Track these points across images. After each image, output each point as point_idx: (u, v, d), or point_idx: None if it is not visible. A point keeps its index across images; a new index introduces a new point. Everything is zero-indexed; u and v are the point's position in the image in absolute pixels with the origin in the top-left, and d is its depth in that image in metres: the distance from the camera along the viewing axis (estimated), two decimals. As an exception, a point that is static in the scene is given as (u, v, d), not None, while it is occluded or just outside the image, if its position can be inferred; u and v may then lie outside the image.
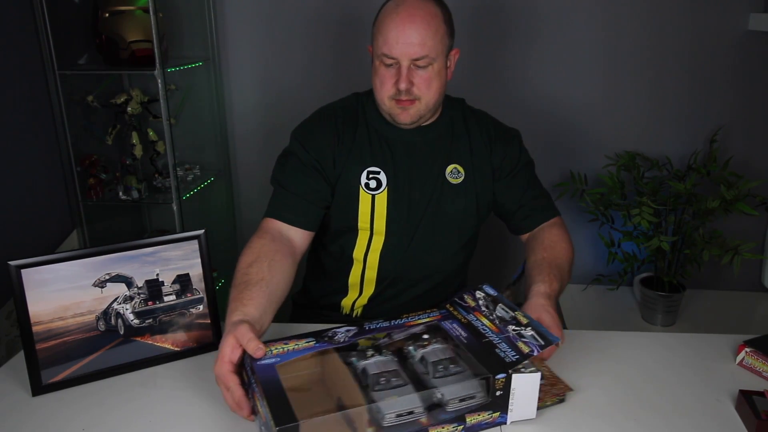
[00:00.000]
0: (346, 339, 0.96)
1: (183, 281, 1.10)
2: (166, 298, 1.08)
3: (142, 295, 1.06)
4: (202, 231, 1.11)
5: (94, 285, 1.03)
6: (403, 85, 1.17)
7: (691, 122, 2.02)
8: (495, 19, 1.98)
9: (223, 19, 2.03)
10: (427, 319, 1.02)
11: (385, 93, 1.20)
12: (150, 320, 1.07)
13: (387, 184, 1.26)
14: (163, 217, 2.18)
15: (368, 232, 1.28)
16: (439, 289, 1.36)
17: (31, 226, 1.67)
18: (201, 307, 1.11)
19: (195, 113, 2.10)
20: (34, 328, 0.99)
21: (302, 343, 0.95)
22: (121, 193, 1.89)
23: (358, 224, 1.27)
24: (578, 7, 1.94)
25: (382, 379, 0.91)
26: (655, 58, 1.97)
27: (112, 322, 1.05)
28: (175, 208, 1.85)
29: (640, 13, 1.93)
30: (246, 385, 0.91)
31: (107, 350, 1.05)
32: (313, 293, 1.42)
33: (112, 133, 1.90)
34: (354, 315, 1.34)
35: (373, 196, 1.26)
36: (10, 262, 0.97)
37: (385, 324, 1.00)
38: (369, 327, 0.99)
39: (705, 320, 1.99)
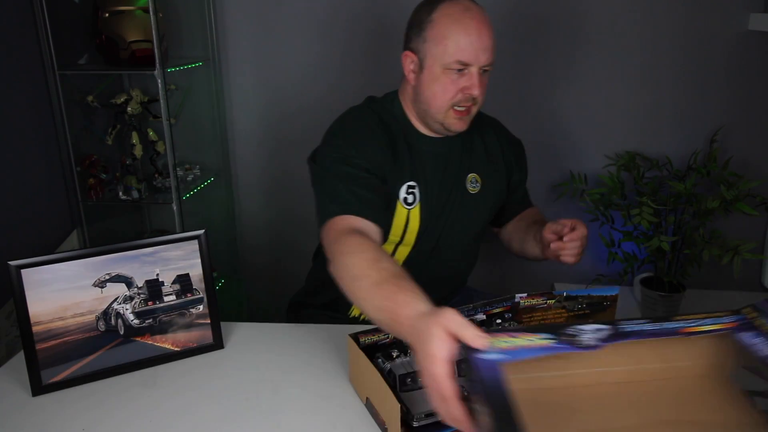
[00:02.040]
0: (596, 343, 0.70)
1: (183, 281, 1.10)
2: (166, 298, 1.08)
3: (142, 295, 1.06)
4: (202, 231, 1.11)
5: (94, 285, 1.03)
6: (477, 92, 1.13)
7: (691, 122, 2.02)
8: (495, 20, 1.97)
9: (223, 19, 2.03)
10: (716, 326, 0.71)
11: (447, 100, 1.16)
12: (150, 320, 1.07)
13: (420, 198, 1.23)
14: (163, 217, 2.18)
15: (395, 245, 1.26)
16: (452, 291, 1.36)
17: (31, 226, 1.67)
18: (201, 307, 1.11)
19: (195, 113, 2.10)
20: (34, 328, 0.99)
21: (536, 339, 0.70)
22: (121, 193, 1.89)
23: (389, 237, 1.24)
24: (578, 8, 1.94)
25: (409, 379, 0.92)
26: (654, 58, 1.97)
27: (112, 322, 1.05)
28: (175, 208, 1.85)
29: (640, 13, 1.93)
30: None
31: (107, 350, 1.05)
32: (317, 292, 1.39)
33: (112, 133, 1.90)
34: (362, 318, 1.32)
35: (409, 211, 1.23)
36: (10, 262, 0.97)
37: (651, 327, 0.70)
38: (625, 330, 0.70)
39: (705, 320, 1.99)
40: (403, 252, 1.26)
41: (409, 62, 1.19)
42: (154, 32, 1.69)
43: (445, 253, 1.29)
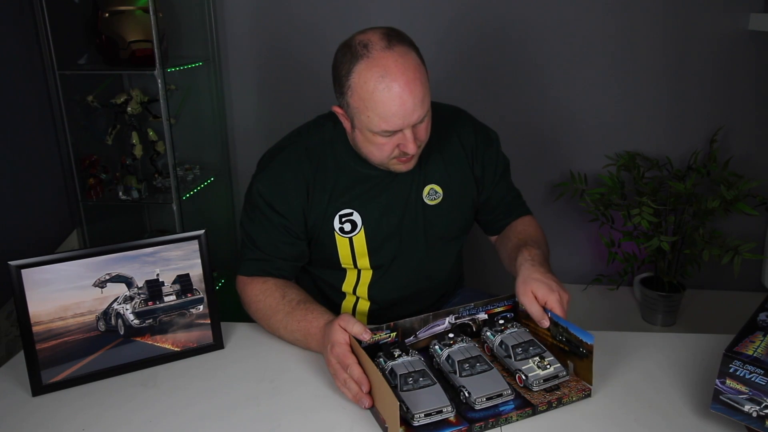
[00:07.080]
0: None
1: (183, 281, 1.10)
2: (166, 298, 1.08)
3: (142, 295, 1.06)
4: (202, 231, 1.11)
5: (94, 285, 1.03)
6: (412, 149, 1.07)
7: (691, 122, 2.02)
8: (495, 19, 1.98)
9: (223, 19, 2.03)
10: None
11: (385, 157, 1.11)
12: (150, 320, 1.07)
13: (362, 224, 1.19)
14: (163, 217, 2.18)
15: (355, 271, 1.24)
16: (440, 295, 1.35)
17: (31, 226, 1.67)
18: (201, 307, 1.11)
19: (195, 113, 2.10)
20: (34, 328, 0.99)
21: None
22: (121, 193, 1.89)
23: (341, 265, 1.23)
24: (579, 8, 1.94)
25: (410, 378, 0.92)
26: (655, 58, 1.97)
27: (112, 322, 1.05)
28: (175, 208, 1.85)
29: (640, 14, 1.93)
30: None
31: (107, 350, 1.05)
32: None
33: (112, 133, 1.90)
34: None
35: (351, 239, 1.20)
36: (10, 262, 0.97)
37: None
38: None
39: (705, 320, 1.99)
40: (366, 276, 1.25)
41: (341, 116, 1.14)
42: (154, 32, 1.69)
43: (421, 267, 1.26)
